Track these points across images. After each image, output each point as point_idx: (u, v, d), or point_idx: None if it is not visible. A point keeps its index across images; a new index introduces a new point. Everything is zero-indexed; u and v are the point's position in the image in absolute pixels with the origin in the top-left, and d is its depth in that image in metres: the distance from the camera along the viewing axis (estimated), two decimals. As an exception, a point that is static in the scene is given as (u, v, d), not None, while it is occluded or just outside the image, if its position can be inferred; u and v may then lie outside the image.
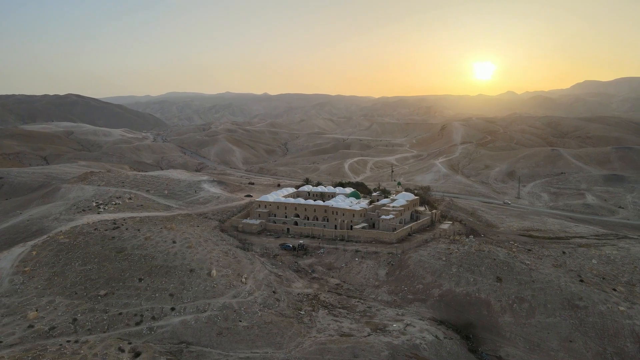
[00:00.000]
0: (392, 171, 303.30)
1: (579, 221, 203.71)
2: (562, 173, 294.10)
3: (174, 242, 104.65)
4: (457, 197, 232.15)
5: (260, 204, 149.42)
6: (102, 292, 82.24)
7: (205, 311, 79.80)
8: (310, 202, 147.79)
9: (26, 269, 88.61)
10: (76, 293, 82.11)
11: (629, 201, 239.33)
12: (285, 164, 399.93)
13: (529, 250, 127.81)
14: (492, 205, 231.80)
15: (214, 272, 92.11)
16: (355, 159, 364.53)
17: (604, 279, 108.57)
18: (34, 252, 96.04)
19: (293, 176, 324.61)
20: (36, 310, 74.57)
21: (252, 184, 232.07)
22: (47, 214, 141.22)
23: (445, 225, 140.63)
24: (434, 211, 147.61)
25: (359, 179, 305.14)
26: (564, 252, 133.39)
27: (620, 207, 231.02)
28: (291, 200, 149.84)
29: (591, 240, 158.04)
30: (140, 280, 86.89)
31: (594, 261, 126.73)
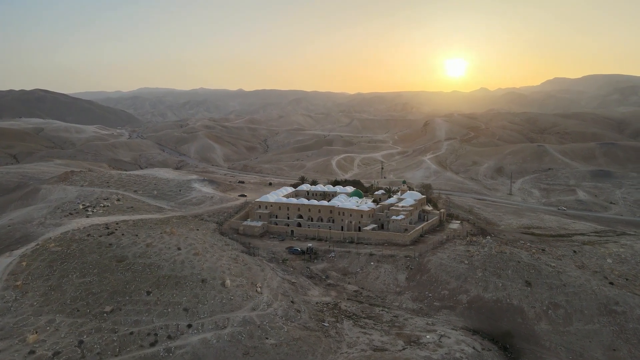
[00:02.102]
0: (382, 168, 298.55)
1: (574, 217, 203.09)
2: (549, 169, 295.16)
3: (179, 248, 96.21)
4: (451, 194, 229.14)
5: (260, 204, 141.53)
6: (108, 308, 73.56)
7: (225, 327, 72.15)
8: (314, 202, 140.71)
9: (17, 283, 79.04)
10: (78, 310, 73.19)
11: (619, 197, 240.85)
12: (269, 161, 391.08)
13: (543, 250, 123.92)
14: (486, 202, 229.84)
15: (228, 281, 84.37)
16: (342, 156, 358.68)
17: (627, 279, 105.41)
18: (24, 263, 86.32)
19: (279, 174, 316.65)
20: (36, 333, 65.54)
21: (242, 182, 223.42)
22: (30, 218, 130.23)
23: (455, 225, 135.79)
24: (441, 210, 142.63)
25: (347, 176, 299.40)
26: (575, 252, 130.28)
27: (611, 202, 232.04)
28: (294, 200, 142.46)
29: (592, 237, 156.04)
30: (148, 293, 78.48)
31: (609, 260, 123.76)
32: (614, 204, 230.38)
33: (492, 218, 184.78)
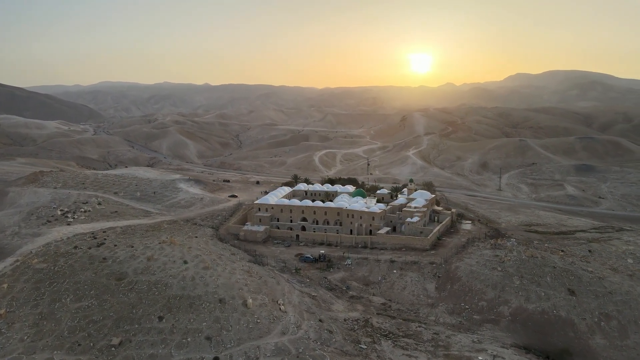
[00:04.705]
0: (369, 164, 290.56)
1: (568, 213, 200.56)
2: (533, 163, 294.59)
3: (185, 262, 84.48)
4: (441, 191, 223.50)
5: (260, 206, 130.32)
6: (115, 341, 61.70)
7: (258, 358, 61.62)
8: (319, 203, 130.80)
9: (1, 311, 65.92)
10: (79, 344, 61.05)
11: (606, 191, 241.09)
12: (246, 158, 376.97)
13: (562, 251, 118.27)
14: (477, 198, 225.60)
15: (249, 301, 73.59)
16: (323, 152, 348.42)
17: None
18: (5, 285, 73.00)
19: (260, 171, 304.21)
20: (32, 378, 53.35)
21: (228, 181, 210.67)
22: (0, 226, 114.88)
23: (467, 226, 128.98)
24: (453, 210, 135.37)
25: (331, 173, 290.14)
26: (589, 251, 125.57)
27: (600, 197, 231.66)
28: (297, 202, 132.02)
29: (594, 234, 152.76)
30: (160, 319, 66.90)
31: (629, 261, 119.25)
32: (603, 198, 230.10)
33: (489, 215, 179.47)
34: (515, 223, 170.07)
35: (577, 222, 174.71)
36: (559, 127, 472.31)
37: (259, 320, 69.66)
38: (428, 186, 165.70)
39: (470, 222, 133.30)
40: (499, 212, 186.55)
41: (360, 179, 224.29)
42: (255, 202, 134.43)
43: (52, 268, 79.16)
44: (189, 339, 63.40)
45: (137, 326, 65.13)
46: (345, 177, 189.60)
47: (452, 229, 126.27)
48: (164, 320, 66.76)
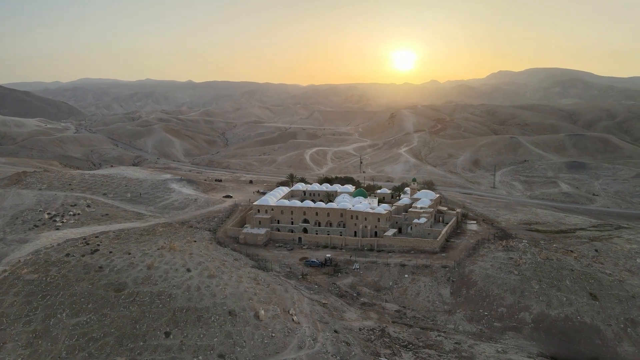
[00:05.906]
0: (362, 162, 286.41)
1: (565, 211, 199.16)
2: (525, 161, 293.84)
3: (189, 270, 79.02)
4: (437, 189, 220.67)
5: (260, 208, 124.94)
6: (120, 361, 56.17)
7: (277, 377, 56.73)
8: (322, 205, 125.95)
9: (-11, 330, 59.76)
10: (80, 366, 55.32)
11: (599, 188, 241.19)
12: (234, 156, 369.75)
13: (571, 251, 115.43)
14: (473, 196, 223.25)
15: (261, 312, 68.56)
16: (314, 150, 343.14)
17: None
18: (-7, 300, 66.63)
19: (250, 169, 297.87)
20: (29, 409, 47.58)
21: (220, 180, 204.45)
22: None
23: (473, 226, 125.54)
24: (457, 210, 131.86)
25: (323, 170, 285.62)
26: (596, 251, 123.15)
27: (594, 194, 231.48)
28: (298, 203, 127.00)
29: (594, 232, 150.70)
30: (167, 334, 61.51)
31: (638, 261, 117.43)
32: (597, 195, 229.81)
33: (488, 214, 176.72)
34: (515, 222, 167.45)
35: (575, 220, 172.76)
36: (545, 124, 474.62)
37: (273, 334, 64.70)
38: (429, 185, 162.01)
39: (475, 222, 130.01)
40: (496, 211, 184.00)
41: (354, 177, 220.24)
42: (255, 203, 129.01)
43: (44, 279, 73.05)
44: (200, 358, 58.17)
45: (142, 344, 59.67)
46: (342, 176, 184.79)
47: (458, 229, 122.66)
48: (171, 336, 61.39)
